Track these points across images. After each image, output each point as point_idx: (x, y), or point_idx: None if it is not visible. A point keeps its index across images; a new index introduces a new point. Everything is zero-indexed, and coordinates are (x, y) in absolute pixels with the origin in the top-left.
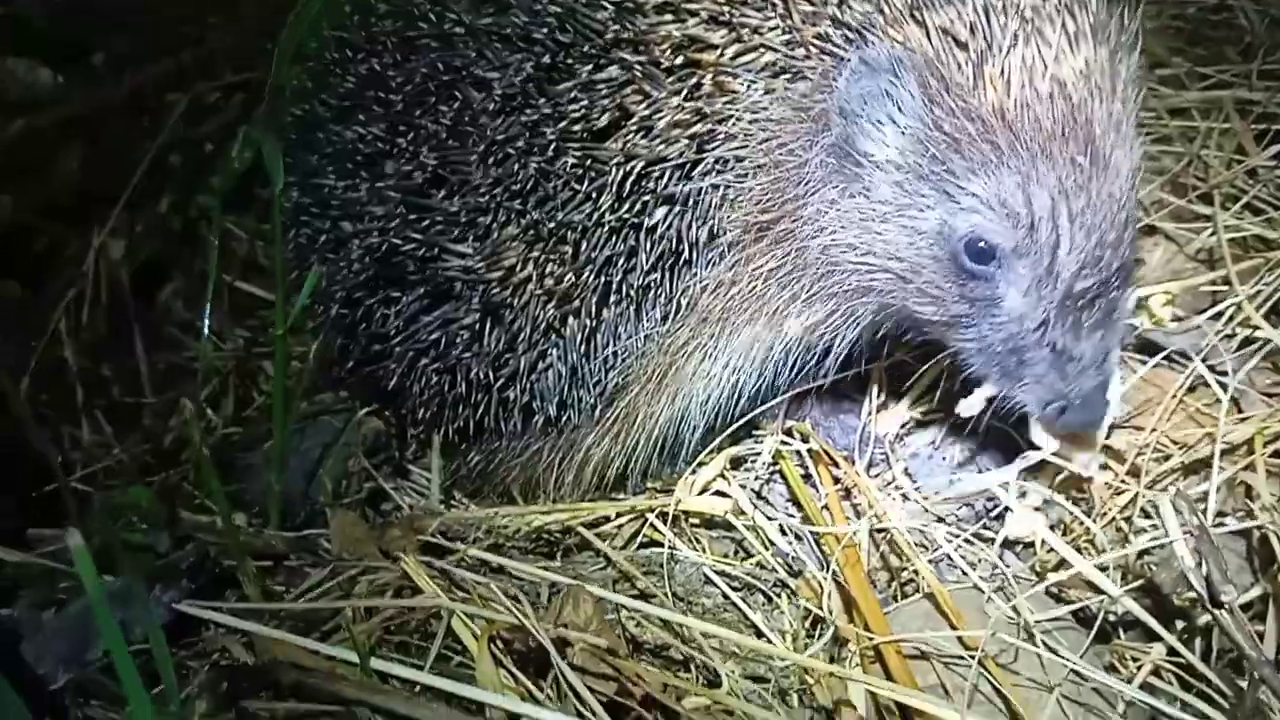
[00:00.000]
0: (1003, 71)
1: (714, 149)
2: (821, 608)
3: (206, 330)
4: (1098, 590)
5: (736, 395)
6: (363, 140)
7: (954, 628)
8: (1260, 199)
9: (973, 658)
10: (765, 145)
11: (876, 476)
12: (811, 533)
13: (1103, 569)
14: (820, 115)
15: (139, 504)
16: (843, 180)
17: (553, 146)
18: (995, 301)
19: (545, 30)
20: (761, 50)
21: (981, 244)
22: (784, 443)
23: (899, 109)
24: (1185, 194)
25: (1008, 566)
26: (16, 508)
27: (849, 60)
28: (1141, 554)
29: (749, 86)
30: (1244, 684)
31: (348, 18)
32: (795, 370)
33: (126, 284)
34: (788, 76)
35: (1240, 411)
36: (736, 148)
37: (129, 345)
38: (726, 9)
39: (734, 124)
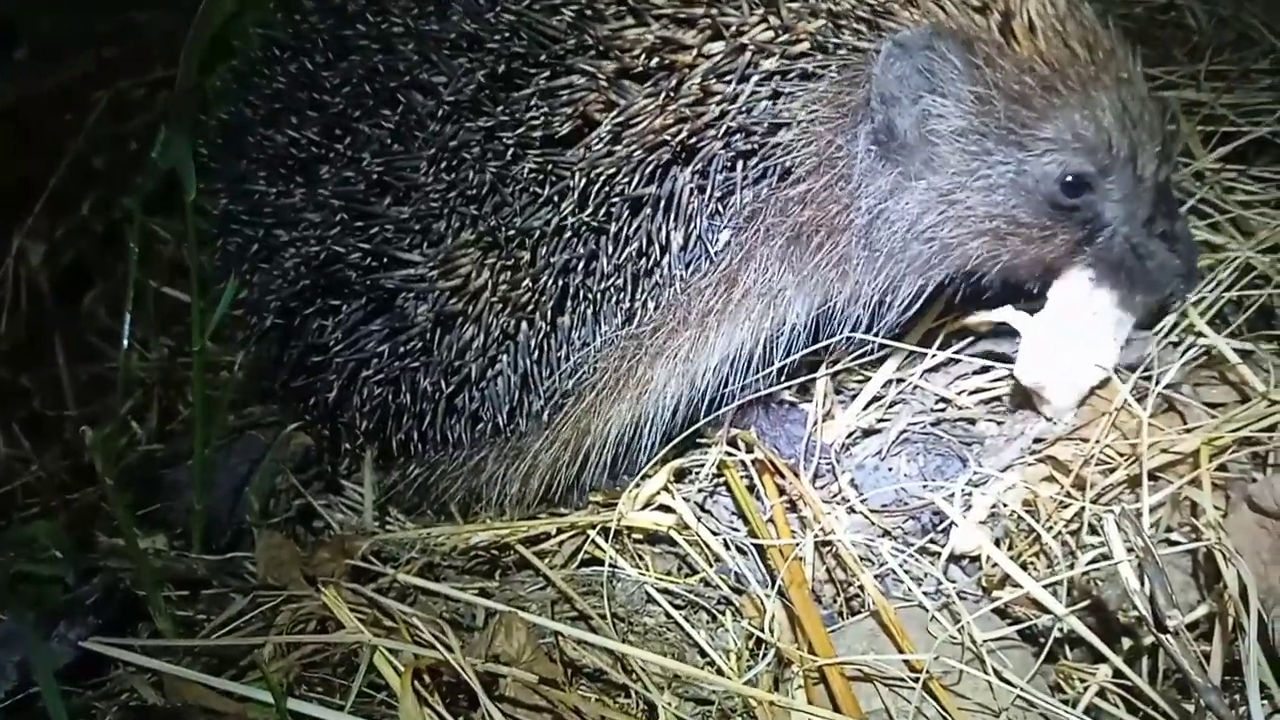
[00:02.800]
0: (1028, 23)
1: (705, 152)
2: (765, 628)
3: (127, 340)
4: (1044, 608)
5: (702, 397)
6: (295, 144)
7: (899, 648)
8: (1207, 202)
9: (916, 680)
10: (800, 149)
11: (822, 487)
12: (756, 546)
13: (1048, 586)
14: (854, 108)
15: (39, 538)
16: (898, 165)
17: (510, 153)
18: (1100, 218)
19: (498, 38)
20: (750, 51)
21: (1070, 179)
22: (729, 453)
23: (945, 81)
24: None
25: (953, 582)
26: None
27: (881, 46)
28: (1088, 568)
29: (746, 90)
30: (1190, 707)
31: (272, 14)
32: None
33: (47, 289)
34: (797, 77)
35: (1185, 423)
36: (751, 152)
37: (50, 354)
38: (699, 11)
39: (736, 126)
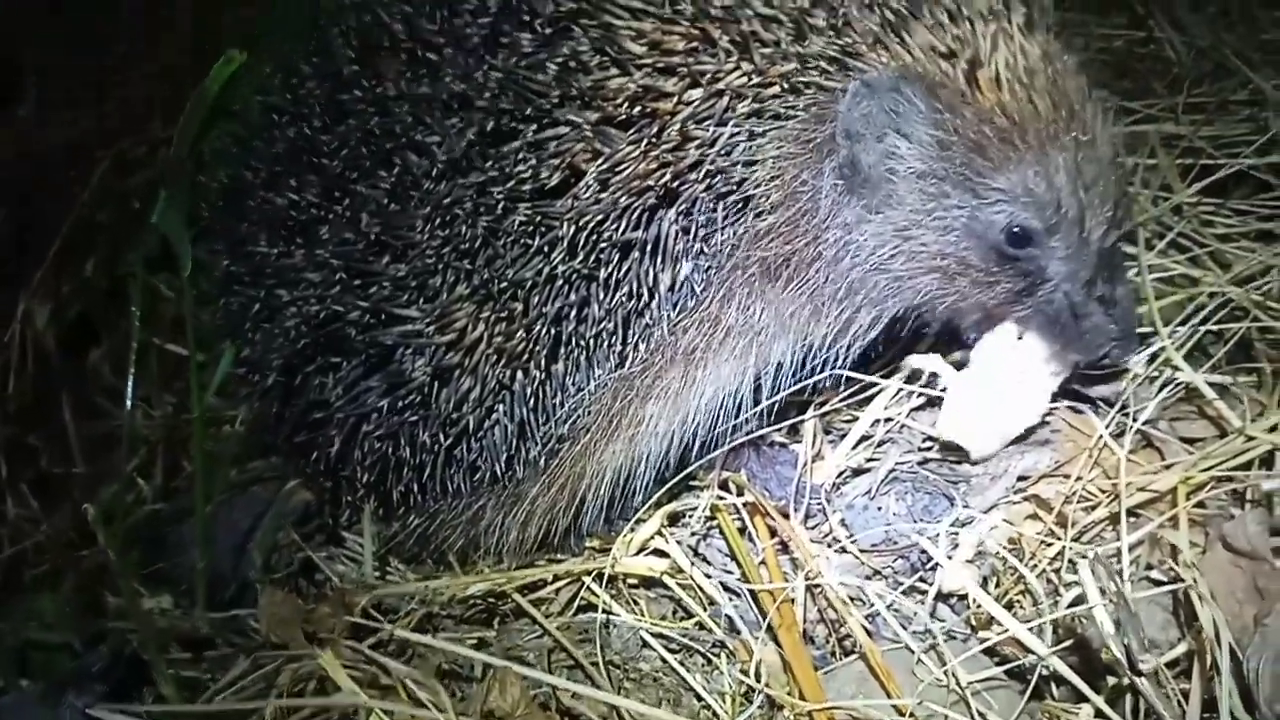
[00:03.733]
0: (995, 74)
1: (688, 194)
2: (754, 672)
3: (130, 400)
4: (1028, 648)
5: (694, 436)
6: (295, 206)
7: (887, 692)
8: (1185, 236)
9: None
10: (770, 185)
11: (814, 528)
12: (748, 590)
13: (1032, 626)
14: (821, 145)
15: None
16: (862, 199)
17: (501, 206)
18: (1042, 272)
19: (487, 96)
20: (727, 96)
21: (1017, 230)
22: (720, 496)
23: (908, 122)
24: None
25: (941, 622)
26: None
27: (849, 85)
28: (1072, 605)
29: (725, 133)
30: None
31: (269, 80)
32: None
33: (53, 349)
34: (770, 117)
35: (1163, 459)
36: (730, 192)
37: (57, 413)
38: (678, 59)
39: (716, 168)
